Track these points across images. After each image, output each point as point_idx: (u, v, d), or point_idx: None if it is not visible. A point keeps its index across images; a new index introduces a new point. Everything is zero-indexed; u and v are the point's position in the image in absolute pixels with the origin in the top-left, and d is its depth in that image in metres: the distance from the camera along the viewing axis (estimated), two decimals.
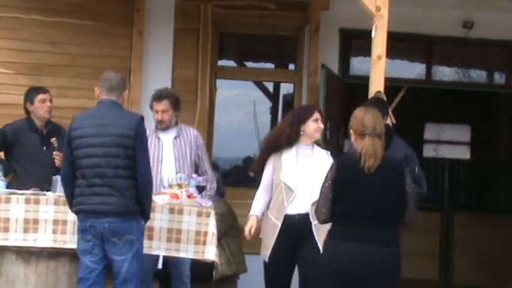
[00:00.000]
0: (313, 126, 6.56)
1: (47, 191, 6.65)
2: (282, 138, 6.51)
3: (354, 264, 5.36)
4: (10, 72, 9.41)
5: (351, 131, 5.64)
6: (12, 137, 7.33)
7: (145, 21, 9.59)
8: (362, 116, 5.60)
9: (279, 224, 6.38)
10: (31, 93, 7.52)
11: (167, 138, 7.12)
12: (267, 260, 6.44)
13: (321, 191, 5.63)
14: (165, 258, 6.83)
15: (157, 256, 6.71)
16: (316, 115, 6.60)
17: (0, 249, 6.62)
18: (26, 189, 6.67)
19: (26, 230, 6.45)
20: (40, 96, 7.43)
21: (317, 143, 6.65)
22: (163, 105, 7.10)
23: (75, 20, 9.53)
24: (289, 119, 6.62)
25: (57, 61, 9.49)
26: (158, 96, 7.12)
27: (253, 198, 6.65)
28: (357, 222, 5.42)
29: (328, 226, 5.72)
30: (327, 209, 5.55)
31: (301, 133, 6.54)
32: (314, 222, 6.29)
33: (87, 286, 6.02)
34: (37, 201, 6.49)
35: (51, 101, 7.48)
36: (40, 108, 7.41)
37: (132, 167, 5.90)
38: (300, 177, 6.40)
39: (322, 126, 6.62)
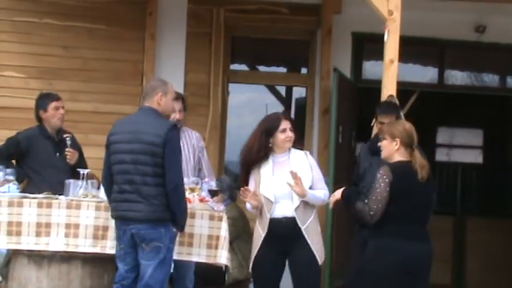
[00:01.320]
0: (281, 137, 6.39)
1: (60, 194, 6.66)
2: (252, 154, 6.38)
3: (410, 260, 5.84)
4: (22, 76, 9.45)
5: (397, 140, 6.00)
6: (25, 144, 7.34)
7: (157, 25, 9.61)
8: (412, 130, 6.08)
9: (263, 234, 6.32)
10: (44, 100, 7.47)
11: None
12: (249, 270, 6.40)
13: (376, 191, 5.90)
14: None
15: None
16: (284, 124, 6.41)
17: (13, 253, 6.64)
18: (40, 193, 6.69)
19: (38, 234, 6.45)
20: (54, 104, 7.41)
21: (294, 146, 6.48)
22: (180, 105, 7.09)
23: (87, 24, 9.56)
24: (257, 133, 6.45)
25: (70, 65, 9.52)
26: (176, 97, 7.09)
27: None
28: (406, 223, 5.91)
29: (316, 228, 6.30)
30: (383, 209, 5.90)
31: (270, 145, 6.38)
32: (303, 226, 6.28)
33: None
34: (49, 205, 6.50)
35: (63, 107, 7.47)
36: (54, 115, 7.39)
37: (161, 174, 5.91)
38: (277, 186, 6.32)
39: (291, 134, 6.41)
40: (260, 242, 6.33)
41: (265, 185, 6.35)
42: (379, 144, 6.21)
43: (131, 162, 5.95)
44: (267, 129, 6.41)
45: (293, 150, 6.48)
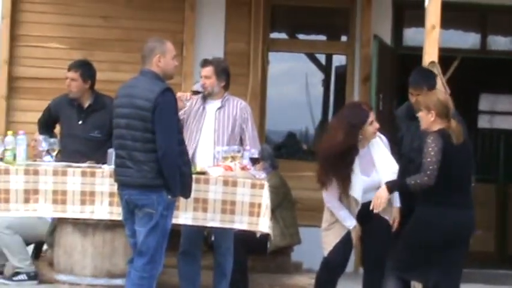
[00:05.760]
0: (371, 130, 6.37)
1: (103, 163, 6.71)
2: (338, 148, 6.25)
3: (458, 228, 6.01)
4: (64, 47, 9.52)
5: (433, 112, 6.03)
6: (54, 111, 7.45)
7: None
8: (446, 100, 6.13)
9: (350, 226, 6.38)
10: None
11: (211, 108, 7.11)
12: (325, 255, 6.40)
13: (430, 154, 5.92)
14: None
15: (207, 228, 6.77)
16: (372, 117, 6.39)
17: (58, 221, 6.73)
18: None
19: (83, 202, 6.53)
20: (67, 74, 7.49)
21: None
22: (207, 71, 7.11)
23: None
24: (344, 126, 6.32)
25: (110, 35, 9.57)
26: (203, 62, 7.16)
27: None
28: (453, 191, 6.01)
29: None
30: (437, 171, 5.97)
31: (359, 138, 6.35)
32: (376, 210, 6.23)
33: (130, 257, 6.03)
34: (93, 174, 6.57)
35: (74, 79, 7.42)
36: (67, 86, 7.46)
37: (152, 140, 5.78)
38: (366, 184, 6.30)
39: (378, 125, 6.41)
40: (344, 233, 6.36)
41: (354, 186, 6.29)
42: (417, 114, 6.20)
43: (125, 127, 5.85)
44: (355, 123, 6.32)
45: (371, 142, 6.45)
